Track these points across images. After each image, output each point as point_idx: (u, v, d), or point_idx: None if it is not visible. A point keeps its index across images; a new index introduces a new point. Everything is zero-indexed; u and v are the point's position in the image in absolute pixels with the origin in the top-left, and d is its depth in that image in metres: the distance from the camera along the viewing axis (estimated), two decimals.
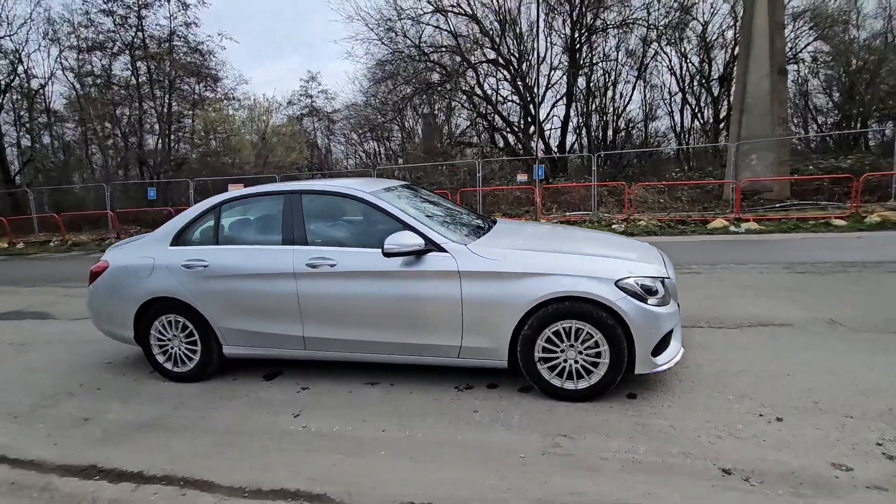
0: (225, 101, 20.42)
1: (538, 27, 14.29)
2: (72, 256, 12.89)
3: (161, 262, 3.52)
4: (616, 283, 2.83)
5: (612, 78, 21.51)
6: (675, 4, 19.34)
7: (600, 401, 2.94)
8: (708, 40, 20.52)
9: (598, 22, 18.61)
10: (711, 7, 19.89)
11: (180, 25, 19.96)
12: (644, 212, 13.01)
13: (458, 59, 19.54)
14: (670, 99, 22.60)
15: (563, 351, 2.92)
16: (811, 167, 13.33)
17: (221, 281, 3.38)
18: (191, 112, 20.44)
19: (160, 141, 19.22)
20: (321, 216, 3.46)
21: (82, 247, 14.37)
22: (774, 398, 2.86)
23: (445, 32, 19.23)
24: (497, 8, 18.96)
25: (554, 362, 2.95)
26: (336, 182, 3.57)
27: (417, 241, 3.00)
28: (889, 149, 14.00)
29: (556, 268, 2.90)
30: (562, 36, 19.23)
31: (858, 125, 18.60)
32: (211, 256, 3.42)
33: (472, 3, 18.52)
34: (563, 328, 2.89)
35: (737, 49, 20.34)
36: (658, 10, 19.06)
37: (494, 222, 3.87)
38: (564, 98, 20.09)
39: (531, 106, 19.95)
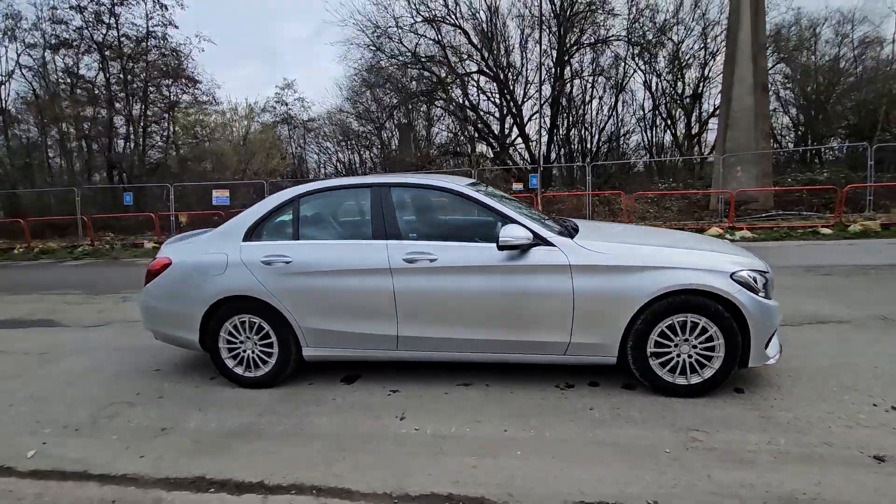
0: (203, 105, 19.69)
1: (540, 42, 14.58)
2: (42, 264, 11.95)
3: (236, 258, 3.28)
4: (731, 276, 2.84)
5: (593, 92, 22.26)
6: (652, 24, 20.30)
7: (710, 396, 2.93)
8: (681, 59, 21.59)
9: (585, 37, 19.23)
10: (686, 28, 20.97)
11: (157, 26, 19.21)
12: (636, 221, 13.38)
13: (445, 69, 19.69)
14: (644, 114, 23.59)
15: (676, 346, 2.90)
16: (789, 179, 14.13)
17: (306, 278, 3.18)
18: (166, 115, 19.57)
19: (133, 144, 18.25)
20: (411, 210, 3.33)
21: (51, 254, 13.38)
22: (878, 388, 2.93)
23: (433, 43, 19.37)
24: (483, 21, 19.32)
25: (665, 358, 2.93)
26: (423, 176, 3.46)
27: (527, 235, 2.93)
28: (853, 163, 15.10)
29: (672, 261, 2.89)
30: (547, 51, 19.73)
31: (815, 143, 19.98)
32: (294, 252, 3.22)
33: (459, 15, 18.77)
34: (678, 322, 2.87)
35: (705, 68, 21.66)
36: (638, 30, 19.90)
37: (574, 221, 3.84)
38: (549, 110, 20.54)
39: (512, 113, 20.32)
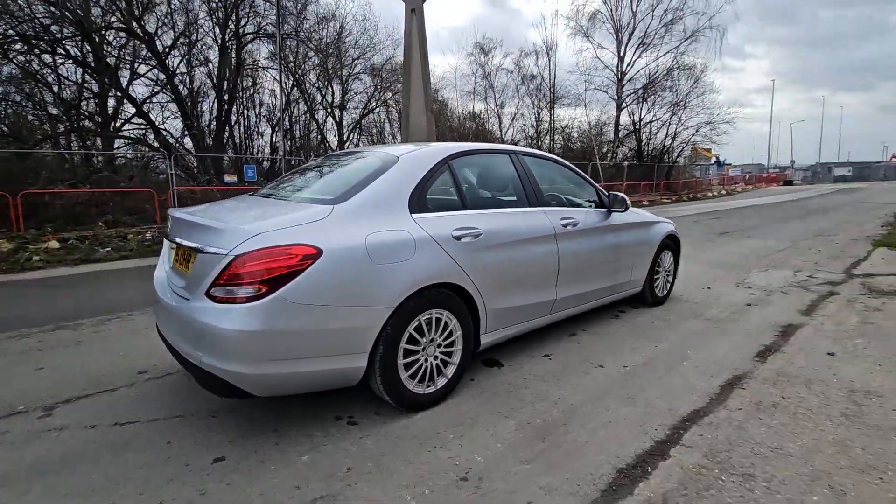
0: None
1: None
2: None
3: (421, 234, 2.42)
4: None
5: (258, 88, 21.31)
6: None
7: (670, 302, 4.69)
8: (329, 75, 23.89)
9: (249, 26, 18.17)
10: (333, 50, 23.23)
11: None
12: None
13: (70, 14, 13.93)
14: (300, 117, 24.68)
15: (664, 272, 4.49)
16: None
17: (495, 251, 2.78)
18: None
19: None
20: (538, 178, 3.41)
21: None
22: (693, 280, 5.51)
23: None
24: None
25: (658, 282, 4.47)
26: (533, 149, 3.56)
27: (627, 200, 3.78)
28: None
29: (657, 217, 4.43)
30: (212, 30, 17.46)
31: None
32: (480, 222, 2.72)
33: None
34: (665, 256, 4.46)
35: (345, 84, 25.02)
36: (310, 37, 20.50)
37: None
38: (227, 98, 18.24)
39: (169, 88, 16.93)
